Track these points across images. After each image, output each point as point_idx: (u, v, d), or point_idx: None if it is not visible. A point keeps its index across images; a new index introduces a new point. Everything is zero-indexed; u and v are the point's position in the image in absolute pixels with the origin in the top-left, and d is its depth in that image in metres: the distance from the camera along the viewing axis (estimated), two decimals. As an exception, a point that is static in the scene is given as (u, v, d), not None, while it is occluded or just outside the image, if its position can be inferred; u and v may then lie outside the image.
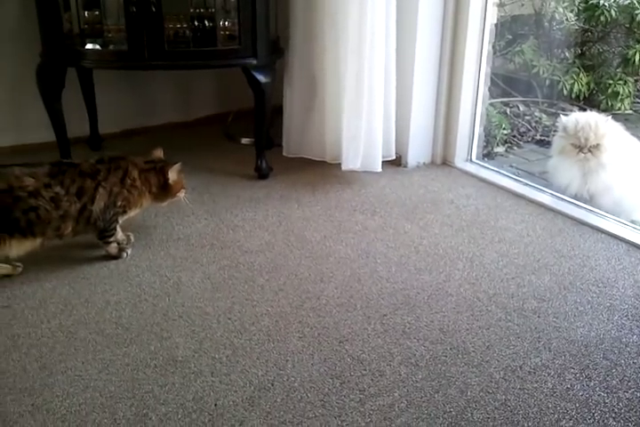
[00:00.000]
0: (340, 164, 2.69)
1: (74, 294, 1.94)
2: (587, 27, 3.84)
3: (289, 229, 2.34)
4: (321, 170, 2.79)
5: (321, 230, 2.33)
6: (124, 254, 2.13)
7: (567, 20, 3.86)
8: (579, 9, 3.82)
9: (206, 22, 2.50)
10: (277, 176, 2.77)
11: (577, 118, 2.66)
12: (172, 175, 2.10)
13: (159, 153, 2.17)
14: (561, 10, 3.84)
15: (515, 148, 3.58)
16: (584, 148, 2.60)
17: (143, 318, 1.83)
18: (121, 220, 2.08)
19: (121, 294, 1.95)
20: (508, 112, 3.84)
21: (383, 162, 2.70)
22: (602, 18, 3.65)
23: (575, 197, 2.62)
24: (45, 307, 1.88)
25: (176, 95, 3.31)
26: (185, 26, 2.45)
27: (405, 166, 2.87)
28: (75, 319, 1.82)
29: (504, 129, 3.58)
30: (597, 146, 2.60)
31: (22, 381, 1.59)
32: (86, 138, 3.01)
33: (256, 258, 2.15)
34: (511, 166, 3.25)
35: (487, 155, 3.28)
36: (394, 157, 2.78)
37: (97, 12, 2.49)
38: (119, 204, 2.02)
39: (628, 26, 3.75)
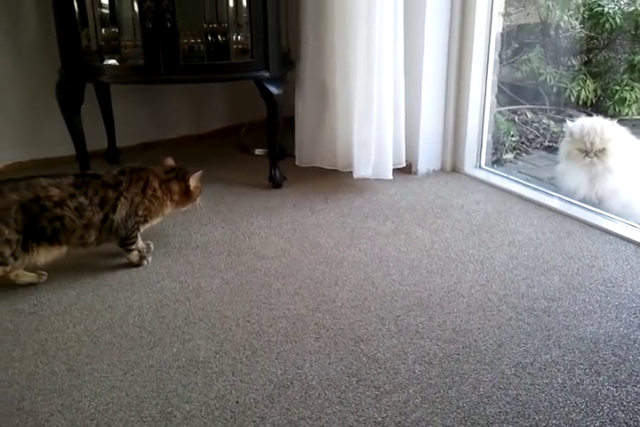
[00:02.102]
0: (351, 172, 2.76)
1: (98, 301, 2.01)
2: (592, 34, 3.89)
3: (303, 236, 2.40)
4: (333, 178, 2.86)
5: (334, 236, 2.39)
6: (145, 262, 2.20)
7: (572, 27, 3.92)
8: (584, 17, 3.88)
9: (219, 37, 2.58)
10: (291, 185, 2.84)
11: (582, 123, 2.72)
12: (194, 182, 2.18)
13: (170, 161, 2.25)
14: (566, 18, 3.90)
15: (523, 154, 3.63)
16: (590, 152, 2.65)
17: (165, 321, 1.90)
18: (142, 228, 2.16)
19: (143, 299, 2.01)
20: (517, 120, 3.89)
21: (394, 169, 2.77)
22: (607, 25, 3.69)
23: (584, 201, 2.66)
24: (71, 313, 1.95)
25: (190, 109, 3.40)
26: (199, 40, 2.53)
27: (415, 173, 2.93)
28: (99, 324, 1.89)
29: (512, 136, 3.63)
30: (603, 150, 2.65)
31: (51, 382, 1.65)
32: (104, 151, 3.09)
33: (272, 264, 2.21)
34: (520, 172, 3.30)
35: (496, 161, 3.33)
36: (404, 165, 2.83)
37: (113, 29, 2.57)
38: (140, 213, 2.09)
39: (633, 32, 3.80)
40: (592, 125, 2.69)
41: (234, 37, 2.58)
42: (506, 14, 3.61)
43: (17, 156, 3.00)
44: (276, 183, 2.81)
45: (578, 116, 3.56)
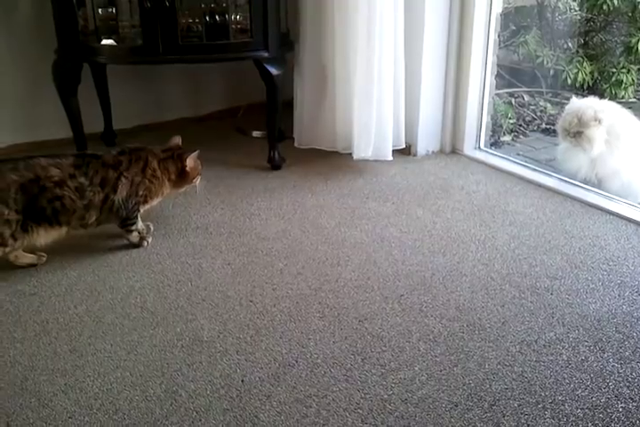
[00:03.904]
0: (350, 154, 2.75)
1: (98, 282, 2.00)
2: (589, 16, 3.88)
3: (304, 217, 2.39)
4: (332, 160, 2.85)
5: (335, 217, 2.38)
6: (145, 243, 2.19)
7: (570, 9, 3.90)
8: (581, -1, 3.87)
9: (218, 16, 2.55)
10: (290, 167, 2.82)
11: (574, 102, 2.72)
12: (190, 162, 2.16)
13: (177, 140, 2.23)
14: (564, -1, 3.88)
15: (521, 136, 3.62)
16: (570, 132, 2.65)
17: (167, 302, 1.89)
18: (142, 209, 2.14)
19: (144, 280, 2.00)
20: (513, 102, 3.88)
21: (393, 151, 2.75)
22: (604, 7, 3.68)
23: (584, 182, 2.66)
24: (71, 294, 1.94)
25: (187, 91, 3.37)
26: (197, 20, 2.51)
27: (415, 155, 2.92)
28: (101, 305, 1.88)
29: (510, 118, 3.62)
30: (579, 133, 2.63)
31: (54, 362, 1.64)
32: (99, 134, 3.06)
33: (273, 244, 2.20)
34: (518, 154, 3.30)
35: (494, 144, 3.33)
36: (403, 146, 2.82)
37: (110, 9, 2.54)
38: (141, 193, 2.08)
39: (630, 14, 3.78)
40: (578, 106, 2.68)
41: (233, 17, 2.55)
42: (504, -5, 3.59)
43: (13, 138, 2.97)
44: (275, 165, 2.79)
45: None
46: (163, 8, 2.36)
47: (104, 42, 2.52)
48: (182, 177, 2.17)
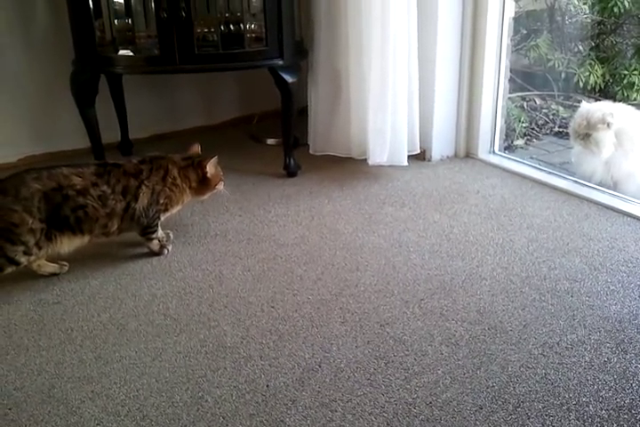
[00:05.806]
0: (365, 159, 2.76)
1: (121, 290, 2.02)
2: (600, 19, 3.88)
3: (321, 223, 2.41)
4: (348, 166, 2.86)
5: (352, 223, 2.40)
6: (165, 251, 2.21)
7: (581, 12, 3.90)
8: (592, 1, 3.86)
9: (233, 25, 2.58)
10: (306, 174, 2.84)
11: (585, 105, 2.73)
12: (210, 169, 2.18)
13: (197, 148, 2.25)
14: (575, 1, 3.89)
15: (534, 140, 3.63)
16: (579, 134, 2.66)
17: (190, 308, 1.91)
18: (163, 217, 2.16)
19: (166, 287, 2.02)
20: (526, 106, 3.89)
21: (408, 156, 2.76)
22: (615, 9, 3.68)
23: (600, 185, 2.66)
24: (94, 302, 1.96)
25: (202, 100, 3.39)
26: (213, 30, 2.54)
27: (430, 160, 2.93)
28: (124, 312, 1.90)
29: (522, 122, 3.63)
30: (587, 136, 2.64)
31: (80, 370, 1.66)
32: (116, 144, 3.09)
33: (292, 250, 2.22)
34: (532, 158, 3.30)
35: (508, 148, 3.33)
36: (418, 152, 2.83)
37: (127, 20, 2.57)
38: (162, 201, 2.10)
39: (641, 16, 3.79)
40: (588, 109, 2.69)
41: (248, 26, 2.58)
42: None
43: (31, 149, 3.00)
44: (290, 172, 2.81)
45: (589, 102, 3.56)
46: (179, 18, 2.39)
47: (121, 52, 2.56)
48: (204, 184, 2.19)
